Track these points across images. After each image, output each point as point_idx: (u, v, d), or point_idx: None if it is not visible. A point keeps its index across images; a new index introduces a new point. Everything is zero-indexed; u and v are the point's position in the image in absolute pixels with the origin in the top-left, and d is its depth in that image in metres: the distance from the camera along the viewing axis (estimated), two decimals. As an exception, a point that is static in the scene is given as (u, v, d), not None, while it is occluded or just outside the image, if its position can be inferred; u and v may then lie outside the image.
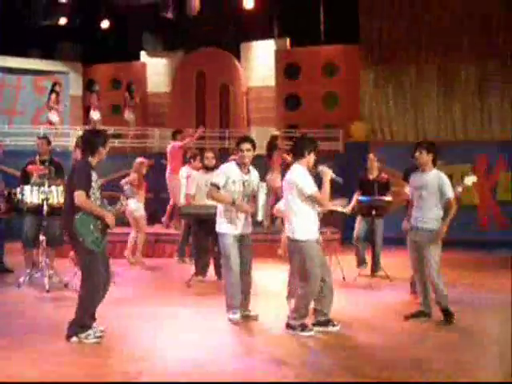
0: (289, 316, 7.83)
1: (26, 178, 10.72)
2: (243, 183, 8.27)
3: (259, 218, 8.33)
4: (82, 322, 7.27)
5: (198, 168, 11.89)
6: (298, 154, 7.84)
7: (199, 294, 10.04)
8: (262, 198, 8.33)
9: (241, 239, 8.29)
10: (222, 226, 8.31)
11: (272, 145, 14.82)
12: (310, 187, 7.61)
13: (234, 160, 8.49)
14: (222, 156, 13.14)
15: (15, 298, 9.68)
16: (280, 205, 9.07)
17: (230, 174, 8.27)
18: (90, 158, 7.43)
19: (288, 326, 7.73)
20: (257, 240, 10.26)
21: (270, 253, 12.54)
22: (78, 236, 7.13)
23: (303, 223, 7.67)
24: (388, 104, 18.09)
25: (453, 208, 8.28)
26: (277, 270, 10.99)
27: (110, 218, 7.31)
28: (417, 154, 8.48)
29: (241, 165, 8.30)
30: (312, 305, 7.86)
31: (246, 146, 8.26)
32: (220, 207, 8.37)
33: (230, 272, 8.24)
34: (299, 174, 7.70)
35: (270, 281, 10.77)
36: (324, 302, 7.87)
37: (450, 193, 8.31)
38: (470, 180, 10.00)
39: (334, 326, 7.84)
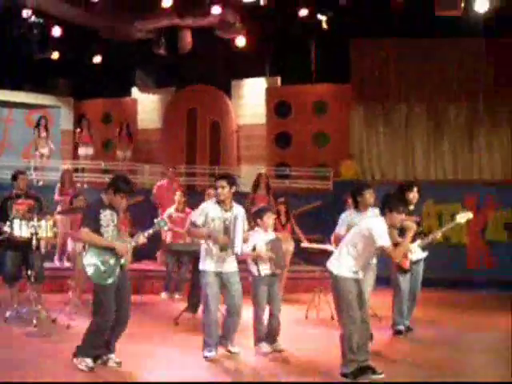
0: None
1: (3, 214, 10.55)
2: (224, 221, 8.25)
3: (237, 250, 8.24)
4: (84, 347, 7.43)
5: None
6: (382, 209, 7.60)
7: (188, 331, 9.97)
8: (239, 230, 8.25)
9: (225, 277, 8.25)
10: (202, 263, 8.31)
11: (257, 183, 14.85)
12: (387, 240, 7.32)
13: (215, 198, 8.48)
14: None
15: (1, 333, 9.61)
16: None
17: (208, 212, 8.28)
18: (102, 195, 7.58)
19: (341, 374, 7.45)
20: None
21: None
22: (86, 271, 7.34)
23: (347, 259, 7.47)
24: (378, 143, 18.18)
25: None
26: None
27: (118, 247, 7.45)
28: None
29: (220, 202, 8.30)
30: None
31: (221, 183, 8.24)
32: (202, 245, 8.37)
33: (207, 311, 8.25)
34: (380, 225, 7.43)
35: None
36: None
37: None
38: (464, 217, 9.86)
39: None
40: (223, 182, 8.24)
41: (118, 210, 7.73)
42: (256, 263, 8.80)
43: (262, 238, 8.89)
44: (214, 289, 8.21)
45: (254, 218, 9.16)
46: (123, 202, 7.64)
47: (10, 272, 10.63)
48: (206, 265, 8.25)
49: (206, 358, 8.17)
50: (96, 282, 7.33)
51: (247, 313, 8.85)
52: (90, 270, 7.33)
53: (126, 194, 7.58)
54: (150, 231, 7.86)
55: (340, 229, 9.32)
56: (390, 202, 7.52)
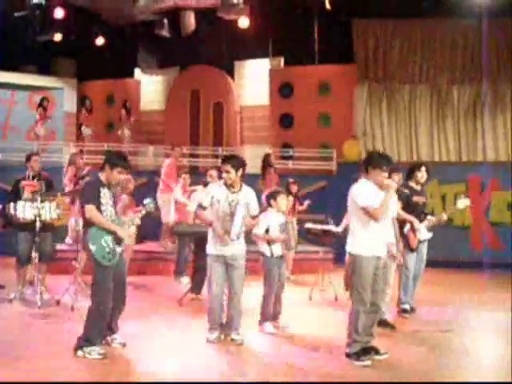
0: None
1: (17, 194, 10.64)
2: (230, 203, 8.15)
3: (233, 236, 8.17)
4: (88, 335, 7.34)
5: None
6: (363, 170, 7.57)
7: (191, 312, 9.98)
8: (238, 217, 8.16)
9: (228, 261, 8.18)
10: (209, 246, 8.28)
11: (265, 163, 14.84)
12: (364, 199, 7.36)
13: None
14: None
15: (6, 315, 9.61)
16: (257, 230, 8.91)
17: (214, 194, 8.20)
18: (99, 174, 7.57)
19: (346, 354, 7.48)
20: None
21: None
22: (89, 249, 7.29)
23: (358, 237, 7.44)
24: (382, 124, 18.13)
25: None
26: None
27: (121, 232, 7.45)
28: None
29: (227, 185, 8.23)
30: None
31: (225, 167, 8.10)
32: (209, 228, 8.34)
33: (210, 294, 8.26)
34: (358, 187, 7.51)
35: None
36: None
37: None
38: (462, 203, 9.97)
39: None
40: (227, 167, 8.09)
41: (116, 187, 7.74)
42: (269, 244, 8.83)
43: (275, 219, 8.90)
44: (219, 272, 8.17)
45: (267, 200, 9.15)
46: (121, 178, 7.65)
47: (23, 253, 10.61)
48: (212, 248, 8.22)
49: (208, 340, 8.17)
50: (98, 260, 7.28)
51: (253, 292, 8.88)
52: (93, 248, 7.30)
53: (122, 168, 7.55)
54: (143, 212, 7.94)
55: None
56: (374, 159, 7.54)
